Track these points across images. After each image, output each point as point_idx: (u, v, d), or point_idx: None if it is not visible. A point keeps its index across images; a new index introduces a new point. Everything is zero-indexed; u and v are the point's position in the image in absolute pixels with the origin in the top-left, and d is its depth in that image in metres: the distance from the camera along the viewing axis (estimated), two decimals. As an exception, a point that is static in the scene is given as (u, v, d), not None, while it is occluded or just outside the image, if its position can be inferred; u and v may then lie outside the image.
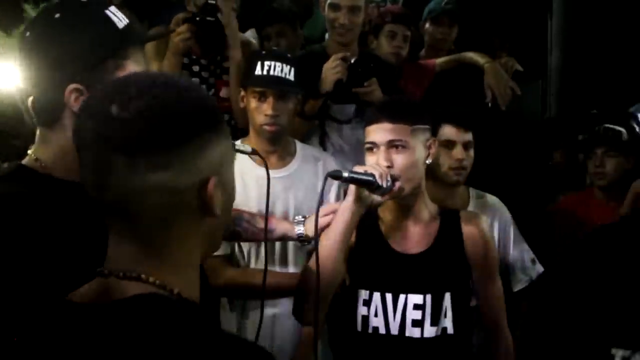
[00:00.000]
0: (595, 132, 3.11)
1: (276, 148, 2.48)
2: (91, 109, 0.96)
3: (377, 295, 2.03)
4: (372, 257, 2.08)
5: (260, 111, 2.39)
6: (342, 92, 2.83)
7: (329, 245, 1.88)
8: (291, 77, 2.42)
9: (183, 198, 0.95)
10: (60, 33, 1.33)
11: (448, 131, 2.53)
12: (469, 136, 2.54)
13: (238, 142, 1.84)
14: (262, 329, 2.37)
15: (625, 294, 1.43)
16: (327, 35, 3.26)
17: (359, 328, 2.04)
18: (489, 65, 3.18)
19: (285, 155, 2.50)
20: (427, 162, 2.06)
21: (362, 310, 2.04)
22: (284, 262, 2.44)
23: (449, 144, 2.53)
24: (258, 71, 2.41)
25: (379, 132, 1.98)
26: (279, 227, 2.07)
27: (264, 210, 1.91)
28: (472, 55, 3.28)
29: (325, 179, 1.77)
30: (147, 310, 0.90)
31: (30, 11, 3.21)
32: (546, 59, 4.84)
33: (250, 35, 3.55)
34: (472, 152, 2.56)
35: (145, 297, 0.92)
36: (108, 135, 0.92)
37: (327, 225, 1.94)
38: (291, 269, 2.44)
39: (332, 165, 2.52)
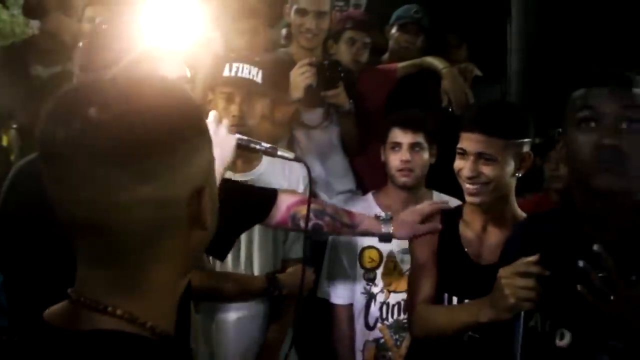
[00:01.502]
0: (550, 137, 3.18)
1: (242, 151, 2.48)
2: (61, 114, 0.82)
3: (455, 300, 2.06)
4: (450, 264, 2.09)
5: (228, 112, 2.37)
6: (310, 97, 2.84)
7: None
8: (259, 79, 2.44)
9: (171, 211, 0.85)
10: (105, 41, 1.49)
11: (394, 134, 2.60)
12: (417, 138, 2.58)
13: (280, 148, 1.86)
14: (226, 331, 2.41)
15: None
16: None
17: None
18: (446, 70, 3.23)
19: (252, 158, 2.50)
20: (518, 174, 2.03)
21: None
22: (249, 265, 2.46)
23: (396, 146, 2.59)
24: (226, 72, 2.42)
25: (470, 142, 1.99)
26: (364, 222, 2.06)
27: None
28: (431, 60, 3.32)
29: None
30: (102, 349, 0.81)
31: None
32: (506, 62, 4.90)
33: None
34: (424, 155, 2.61)
35: (105, 334, 0.83)
36: (84, 142, 0.80)
37: (424, 234, 2.05)
38: (256, 272, 2.46)
39: (298, 167, 2.53)
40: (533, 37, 4.78)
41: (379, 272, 2.61)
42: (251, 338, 2.46)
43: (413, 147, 2.58)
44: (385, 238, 2.08)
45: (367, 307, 2.62)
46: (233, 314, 2.43)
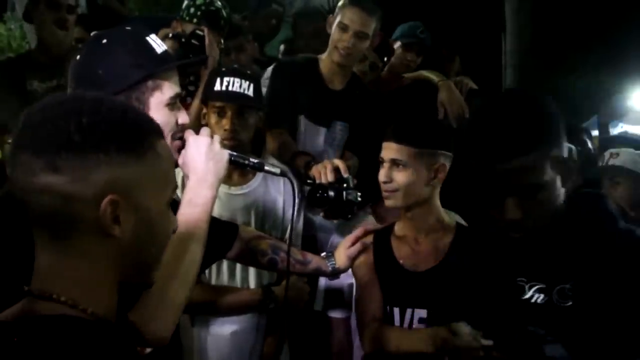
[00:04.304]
0: None
1: (234, 166, 2.48)
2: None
3: (396, 311, 2.18)
4: (384, 273, 2.21)
5: (220, 126, 2.39)
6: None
7: None
8: (250, 92, 2.44)
9: (77, 209, 0.95)
10: (105, 55, 1.51)
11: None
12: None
13: (267, 163, 1.86)
14: (222, 344, 2.40)
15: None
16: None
17: None
18: (442, 83, 3.26)
19: (247, 172, 2.49)
20: (432, 184, 2.18)
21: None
22: (245, 278, 2.45)
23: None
24: (217, 87, 2.43)
25: (385, 150, 2.18)
26: (314, 261, 2.13)
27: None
28: (427, 74, 3.35)
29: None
30: (48, 331, 0.92)
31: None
32: (500, 76, 4.94)
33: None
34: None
35: (50, 318, 0.94)
36: (20, 136, 0.97)
37: (359, 254, 2.15)
38: (252, 284, 2.46)
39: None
40: (527, 52, 4.83)
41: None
42: (247, 351, 2.45)
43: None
44: (334, 274, 2.19)
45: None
46: (229, 327, 2.42)
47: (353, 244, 2.16)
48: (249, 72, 2.58)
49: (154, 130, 1.05)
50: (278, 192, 2.53)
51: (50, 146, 0.94)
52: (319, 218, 2.67)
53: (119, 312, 1.05)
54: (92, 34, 1.66)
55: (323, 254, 2.18)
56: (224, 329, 2.42)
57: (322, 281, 2.70)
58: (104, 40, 1.53)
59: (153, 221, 1.04)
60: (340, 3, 3.00)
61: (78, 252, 0.98)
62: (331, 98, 3.01)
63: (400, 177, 2.14)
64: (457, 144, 2.18)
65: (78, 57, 1.55)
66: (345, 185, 2.17)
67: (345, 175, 2.20)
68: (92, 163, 0.95)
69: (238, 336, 2.42)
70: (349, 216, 2.24)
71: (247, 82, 2.44)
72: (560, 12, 4.61)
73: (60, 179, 0.94)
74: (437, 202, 2.23)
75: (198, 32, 2.83)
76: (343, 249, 2.16)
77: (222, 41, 3.04)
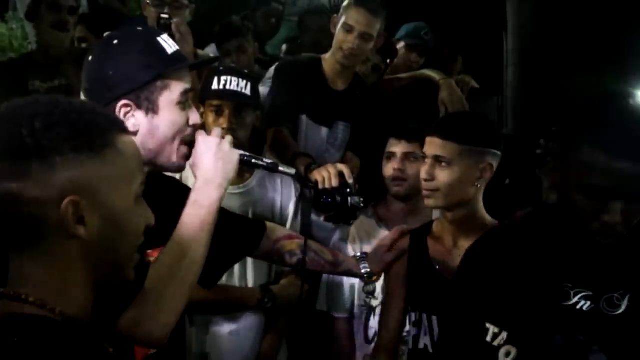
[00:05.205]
0: (548, 148, 3.18)
1: (243, 166, 2.47)
2: None
3: (424, 317, 2.11)
4: (421, 282, 2.13)
5: (217, 125, 2.37)
6: None
7: None
8: (247, 91, 2.44)
9: (39, 212, 0.96)
10: (116, 56, 1.51)
11: (389, 144, 2.60)
12: (411, 147, 2.56)
13: (282, 164, 1.85)
14: (221, 344, 2.40)
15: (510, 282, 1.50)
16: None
17: (410, 346, 2.14)
18: (443, 81, 3.25)
19: (244, 171, 2.48)
20: (478, 184, 2.07)
21: (412, 330, 2.13)
22: (243, 277, 2.45)
23: (391, 156, 2.59)
24: (215, 86, 2.43)
25: (428, 145, 2.08)
26: (346, 262, 2.10)
27: None
28: (428, 73, 3.34)
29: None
30: (10, 330, 0.94)
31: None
32: (502, 75, 4.93)
33: (210, 51, 3.56)
34: (419, 165, 2.59)
35: (15, 317, 0.96)
36: None
37: (393, 261, 2.10)
38: (250, 283, 2.46)
39: (291, 180, 2.52)
40: (529, 51, 4.81)
41: (379, 285, 2.60)
42: (246, 350, 2.45)
43: (407, 156, 2.57)
44: (368, 278, 2.10)
45: (367, 320, 2.59)
46: (227, 326, 2.42)
47: (390, 247, 2.12)
48: (246, 71, 2.57)
49: (114, 127, 1.04)
50: (275, 192, 2.53)
51: (5, 153, 0.95)
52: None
53: (100, 311, 1.06)
54: (104, 34, 1.66)
55: (357, 254, 2.15)
56: (223, 328, 2.43)
57: (324, 281, 2.70)
58: (115, 41, 1.54)
59: (120, 219, 1.03)
60: (345, 3, 2.99)
61: (46, 255, 0.99)
62: (334, 98, 3.01)
63: (444, 175, 2.03)
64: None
65: (90, 57, 1.56)
66: (349, 190, 2.12)
67: (350, 180, 2.16)
68: (48, 166, 0.95)
69: (236, 335, 2.43)
70: (351, 222, 2.21)
71: (245, 81, 2.44)
72: (561, 10, 4.60)
73: (20, 185, 0.95)
74: (481, 203, 2.11)
75: (163, 15, 2.56)
76: (379, 253, 2.12)
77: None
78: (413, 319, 2.13)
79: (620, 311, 1.42)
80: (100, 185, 1.00)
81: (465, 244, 2.03)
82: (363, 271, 2.07)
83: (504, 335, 1.49)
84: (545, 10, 4.67)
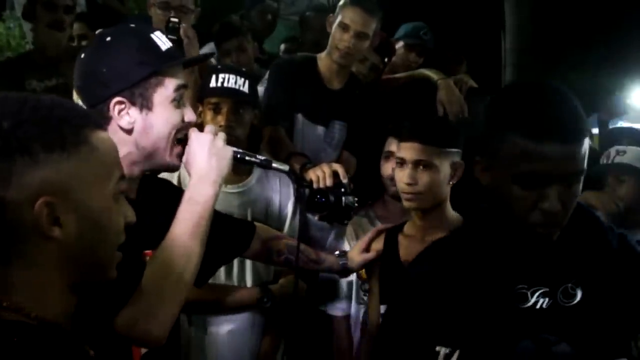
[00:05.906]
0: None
1: (237, 163, 2.47)
2: None
3: None
4: (390, 278, 2.20)
5: (215, 123, 2.38)
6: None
7: None
8: (245, 89, 2.44)
9: (14, 214, 0.92)
10: (110, 53, 1.51)
11: (388, 143, 2.63)
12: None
13: (275, 161, 1.86)
14: (219, 343, 2.40)
15: (457, 296, 1.47)
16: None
17: None
18: (442, 81, 3.25)
19: (242, 170, 2.47)
20: (451, 182, 2.19)
21: None
22: (241, 277, 2.45)
23: (389, 155, 2.61)
24: (213, 83, 2.43)
25: (407, 151, 2.16)
26: (327, 259, 2.19)
27: None
28: (426, 72, 3.34)
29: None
30: None
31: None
32: (500, 74, 4.94)
33: (208, 49, 3.55)
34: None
35: None
36: None
37: (373, 259, 2.20)
38: (249, 283, 2.46)
39: (289, 180, 2.52)
40: (526, 51, 4.82)
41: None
42: (244, 350, 2.44)
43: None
44: (344, 273, 2.26)
45: (364, 317, 2.60)
46: (226, 326, 2.42)
47: (368, 245, 2.22)
48: (244, 69, 2.57)
49: (88, 122, 1.00)
50: (274, 191, 2.53)
51: None
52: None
53: (93, 313, 1.05)
54: (97, 32, 1.65)
55: (337, 252, 2.25)
56: (221, 327, 2.42)
57: (322, 279, 2.70)
58: (109, 38, 1.54)
59: (98, 217, 0.99)
60: (340, 2, 2.99)
61: (22, 258, 0.95)
62: (329, 97, 3.01)
63: (426, 177, 2.14)
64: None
65: (83, 55, 1.55)
66: (343, 190, 2.14)
67: (344, 180, 2.17)
68: (20, 167, 0.92)
69: (235, 335, 2.42)
70: (346, 222, 2.24)
71: (243, 79, 2.44)
72: (560, 10, 4.62)
73: None
74: (448, 199, 2.23)
75: (172, 19, 2.64)
76: (357, 251, 2.22)
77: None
78: (382, 311, 2.20)
79: (577, 300, 1.41)
80: (75, 184, 0.96)
81: (432, 239, 2.06)
82: (342, 264, 2.19)
83: (456, 355, 1.45)
84: (542, 10, 4.69)
